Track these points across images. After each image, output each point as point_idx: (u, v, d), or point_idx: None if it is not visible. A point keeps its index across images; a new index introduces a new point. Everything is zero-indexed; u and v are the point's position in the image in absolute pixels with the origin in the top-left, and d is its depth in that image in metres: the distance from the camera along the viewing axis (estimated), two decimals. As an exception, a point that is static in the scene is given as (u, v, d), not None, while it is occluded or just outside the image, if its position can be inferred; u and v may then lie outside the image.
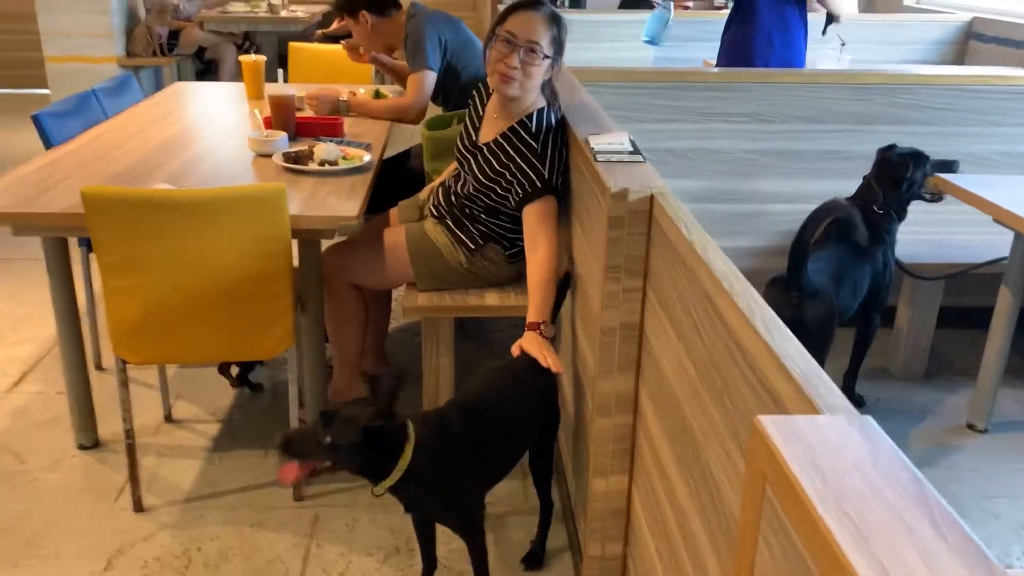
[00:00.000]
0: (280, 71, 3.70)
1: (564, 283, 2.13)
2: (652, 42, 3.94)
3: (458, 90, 3.12)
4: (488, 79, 2.23)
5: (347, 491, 2.37)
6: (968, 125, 3.13)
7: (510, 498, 2.33)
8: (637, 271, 1.61)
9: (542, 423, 2.02)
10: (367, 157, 2.62)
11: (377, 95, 3.35)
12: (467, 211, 2.37)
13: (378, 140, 2.89)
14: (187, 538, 2.19)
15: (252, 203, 2.04)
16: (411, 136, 3.52)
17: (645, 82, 3.04)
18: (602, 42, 4.59)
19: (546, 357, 1.94)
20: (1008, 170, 3.17)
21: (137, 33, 6.39)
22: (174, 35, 6.48)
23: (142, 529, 2.22)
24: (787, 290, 2.23)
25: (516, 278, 2.45)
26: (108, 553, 2.13)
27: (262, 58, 3.50)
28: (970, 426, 2.74)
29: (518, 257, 2.38)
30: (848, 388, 2.77)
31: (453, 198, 2.40)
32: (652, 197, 1.55)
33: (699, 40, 4.38)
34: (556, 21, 2.15)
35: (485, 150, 2.28)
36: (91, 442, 2.54)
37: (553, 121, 2.20)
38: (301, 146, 2.66)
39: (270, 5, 6.85)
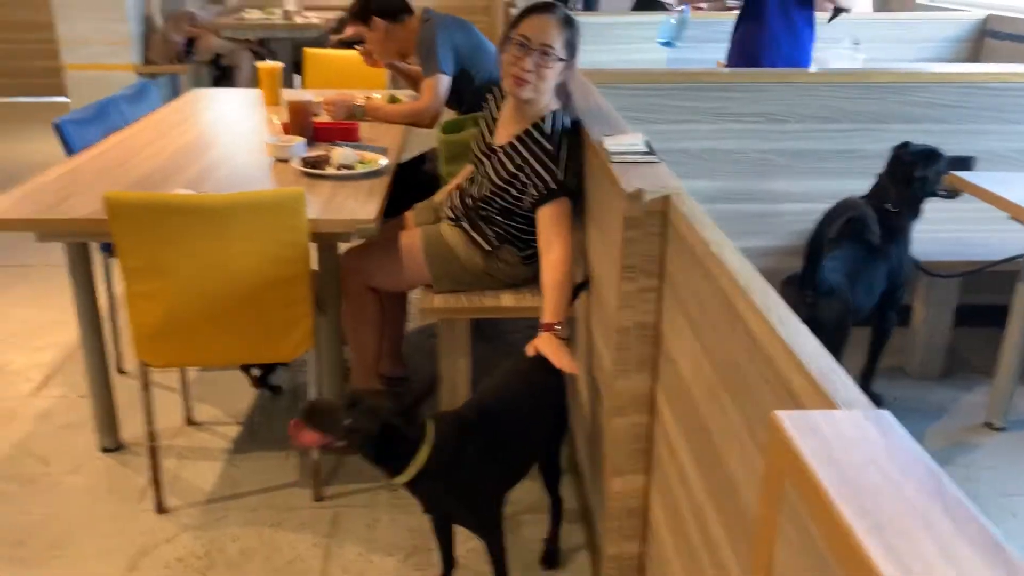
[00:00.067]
0: (296, 77, 3.73)
1: (579, 286, 2.14)
2: (668, 44, 3.96)
3: (471, 93, 3.14)
4: (502, 82, 2.25)
5: (366, 491, 2.40)
6: (984, 122, 3.12)
7: (525, 498, 2.35)
8: (653, 271, 1.62)
9: (553, 423, 2.03)
10: (383, 161, 2.64)
11: (392, 100, 3.38)
12: (482, 213, 2.39)
13: (394, 144, 2.92)
14: (209, 539, 2.22)
15: (272, 207, 2.07)
16: (425, 140, 3.55)
17: (659, 83, 3.05)
18: (615, 44, 4.60)
19: (560, 358, 1.95)
20: (1025, 167, 3.16)
21: (154, 41, 6.45)
22: (190, 42, 6.54)
23: (164, 530, 2.25)
24: (802, 289, 2.24)
25: (531, 279, 2.46)
26: (131, 554, 2.16)
27: (279, 64, 3.53)
28: (988, 424, 2.73)
29: (533, 258, 2.39)
30: (865, 387, 2.76)
31: (469, 200, 2.42)
32: (667, 197, 1.56)
33: (713, 41, 4.38)
34: (569, 24, 2.17)
35: (500, 152, 2.30)
36: (113, 445, 2.58)
37: (567, 123, 2.21)
38: (319, 151, 2.68)
39: (285, 12, 6.91)
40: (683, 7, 3.92)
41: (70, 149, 2.80)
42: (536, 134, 2.20)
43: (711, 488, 1.32)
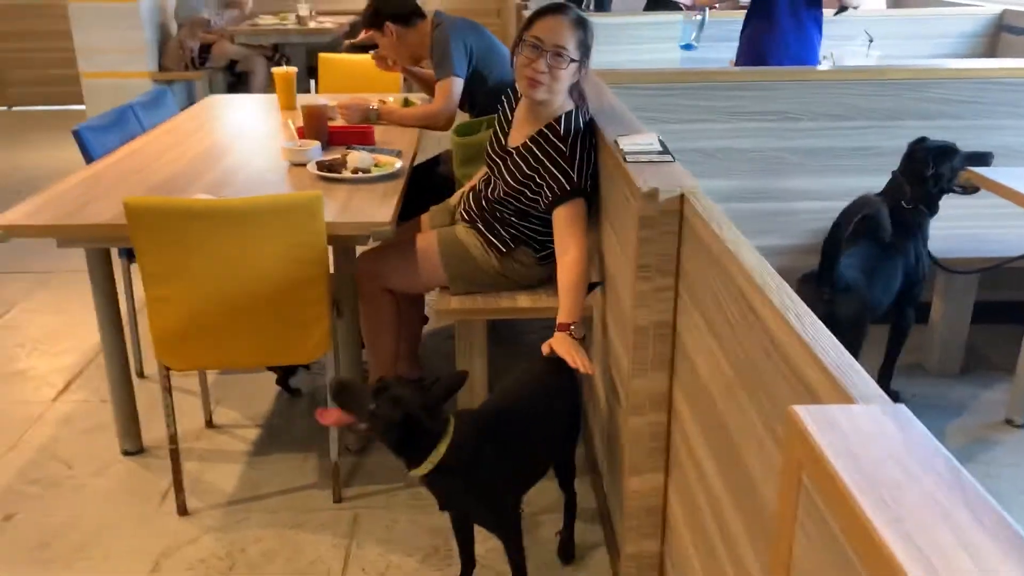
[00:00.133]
0: (312, 82, 3.76)
1: (591, 286, 2.15)
2: (688, 48, 3.99)
3: (484, 95, 3.15)
4: (516, 84, 2.26)
5: (385, 493, 2.41)
6: (1001, 118, 3.10)
7: (542, 498, 2.35)
8: (669, 270, 1.62)
9: (568, 424, 2.05)
10: (399, 164, 2.66)
11: (406, 103, 3.40)
12: (498, 215, 2.40)
13: (408, 147, 2.94)
14: (230, 540, 2.24)
15: (289, 211, 2.09)
16: (439, 143, 3.56)
17: (672, 83, 3.05)
18: (628, 44, 4.60)
19: (575, 358, 1.96)
20: (1042, 163, 3.14)
21: (169, 48, 6.52)
22: (205, 49, 6.60)
23: (187, 532, 2.27)
24: (819, 286, 2.24)
25: (547, 280, 2.46)
26: (155, 556, 2.19)
27: (293, 69, 3.56)
28: (1008, 421, 2.72)
29: (549, 259, 2.40)
30: (884, 384, 2.76)
31: (484, 202, 2.43)
32: (683, 196, 1.57)
33: (726, 40, 4.36)
34: (582, 25, 2.17)
35: (515, 154, 2.31)
36: (135, 448, 2.61)
37: (581, 124, 2.22)
38: (334, 155, 2.70)
39: (299, 17, 6.95)
40: (701, 10, 3.94)
41: (89, 156, 2.83)
42: (550, 135, 2.21)
43: (729, 485, 1.33)
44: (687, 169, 1.72)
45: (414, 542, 2.22)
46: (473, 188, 2.55)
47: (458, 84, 3.09)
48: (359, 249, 2.44)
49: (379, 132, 3.09)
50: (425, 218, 2.72)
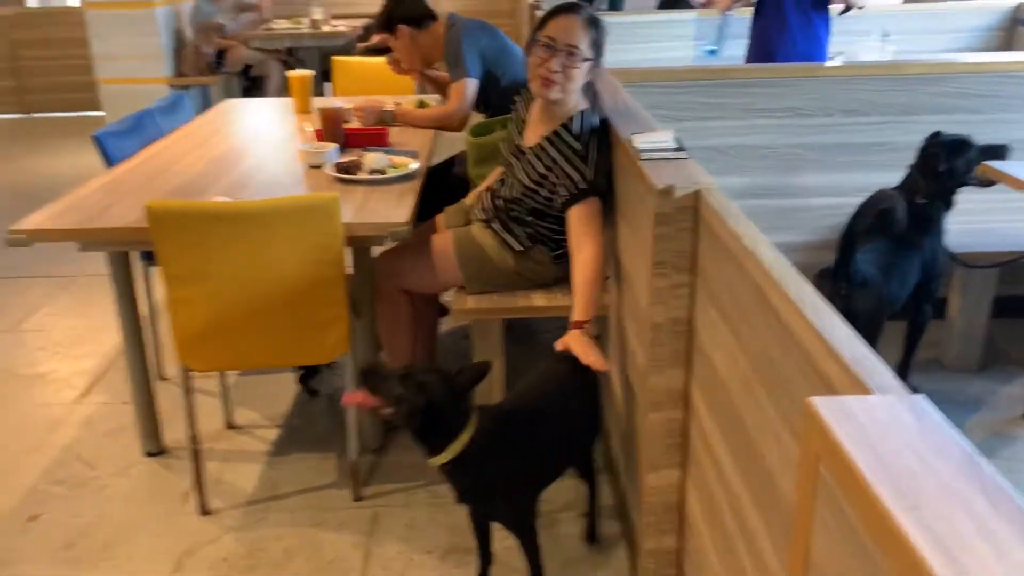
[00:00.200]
0: (327, 84, 3.78)
1: None
2: (713, 53, 4.02)
3: (498, 95, 3.17)
4: (530, 84, 2.27)
5: (404, 491, 2.43)
6: (1017, 111, 3.08)
7: (561, 496, 2.36)
8: (685, 266, 1.63)
9: (588, 423, 2.06)
10: (414, 165, 2.68)
11: (421, 105, 3.42)
12: (513, 214, 2.41)
13: (423, 148, 2.95)
14: (252, 539, 2.26)
15: (307, 212, 2.11)
16: (453, 144, 3.58)
17: (686, 81, 3.05)
18: (641, 43, 4.61)
19: (588, 355, 1.97)
20: (1060, 156, 3.12)
21: (185, 53, 6.57)
22: (220, 54, 6.65)
23: (208, 532, 2.29)
24: (836, 281, 2.24)
25: (563, 279, 2.47)
26: (178, 555, 2.21)
27: (309, 72, 3.59)
28: (1028, 416, 2.71)
29: (564, 258, 2.41)
30: (902, 380, 2.74)
31: (499, 202, 2.44)
32: (698, 192, 1.57)
33: (740, 37, 4.37)
34: (595, 24, 2.18)
35: (529, 154, 2.32)
36: (156, 449, 2.64)
37: (595, 122, 2.23)
38: (351, 156, 2.72)
39: (312, 21, 6.99)
40: (724, 12, 3.97)
41: (109, 161, 2.87)
42: (564, 134, 2.22)
43: (747, 479, 1.33)
44: (701, 167, 1.73)
45: (433, 540, 2.24)
46: (488, 188, 2.57)
47: (472, 85, 3.11)
48: (375, 250, 2.46)
49: (394, 134, 3.11)
50: (441, 218, 2.74)
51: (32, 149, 6.57)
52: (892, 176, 2.69)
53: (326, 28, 6.97)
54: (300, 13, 7.38)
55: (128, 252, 2.45)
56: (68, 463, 2.61)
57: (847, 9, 3.67)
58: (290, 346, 2.26)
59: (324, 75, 5.07)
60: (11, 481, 2.53)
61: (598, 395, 2.07)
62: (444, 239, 2.51)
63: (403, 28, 3.19)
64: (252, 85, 7.18)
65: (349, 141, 2.96)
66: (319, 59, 6.81)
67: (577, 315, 2.07)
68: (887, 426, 0.80)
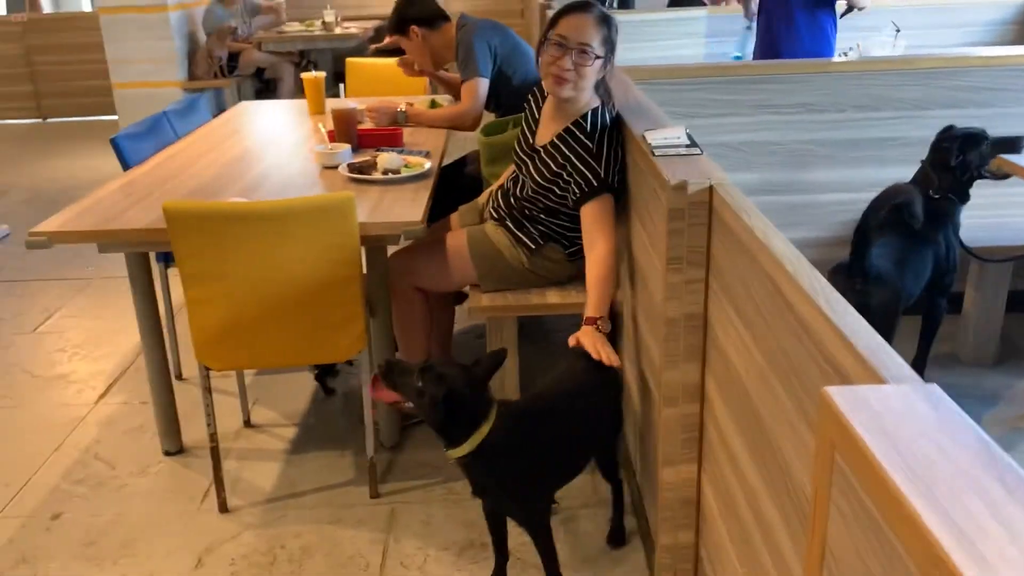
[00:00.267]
0: (341, 86, 3.81)
1: None
2: (740, 59, 4.06)
3: (509, 95, 3.18)
4: (542, 82, 2.28)
5: (421, 488, 2.45)
6: (1031, 105, 3.07)
7: (579, 492, 2.37)
8: (699, 262, 1.64)
9: (609, 423, 2.07)
10: (428, 164, 2.70)
11: (433, 105, 3.44)
12: (526, 212, 2.42)
13: (437, 148, 2.97)
14: (271, 536, 2.28)
15: (323, 212, 2.13)
16: (465, 143, 3.60)
17: (697, 78, 3.06)
18: (652, 41, 4.61)
19: (600, 351, 1.98)
20: (1075, 149, 3.10)
21: (198, 57, 6.63)
22: (233, 57, 6.70)
23: (228, 529, 2.32)
24: (851, 276, 2.24)
25: (577, 276, 2.49)
26: (197, 552, 2.24)
27: (322, 74, 3.62)
28: (1045, 410, 2.70)
29: (578, 255, 2.42)
30: (917, 374, 2.74)
31: (512, 200, 2.46)
32: (712, 188, 1.58)
33: (751, 35, 4.37)
34: (606, 21, 2.19)
35: (542, 152, 2.33)
36: (175, 448, 2.66)
37: (608, 120, 2.24)
38: (364, 157, 2.74)
39: (324, 23, 7.03)
40: (750, 22, 4.01)
41: (126, 163, 2.90)
42: (577, 132, 2.23)
43: (763, 472, 1.34)
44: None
45: (451, 536, 2.26)
46: (501, 186, 2.58)
47: (484, 84, 3.13)
48: (390, 249, 2.47)
49: (407, 134, 3.13)
50: (454, 217, 2.76)
51: (48, 154, 6.64)
52: (905, 171, 2.69)
53: (338, 30, 7.01)
54: (312, 16, 7.42)
55: (147, 253, 2.48)
56: (89, 463, 2.64)
57: (849, 9, 3.68)
58: (306, 344, 2.28)
59: (336, 77, 5.10)
60: (34, 481, 2.56)
61: (619, 394, 2.08)
62: (458, 238, 2.52)
63: (415, 29, 3.21)
64: (265, 88, 7.23)
65: (363, 141, 2.98)
66: (331, 61, 6.86)
67: (590, 311, 2.09)
68: (902, 415, 0.80)
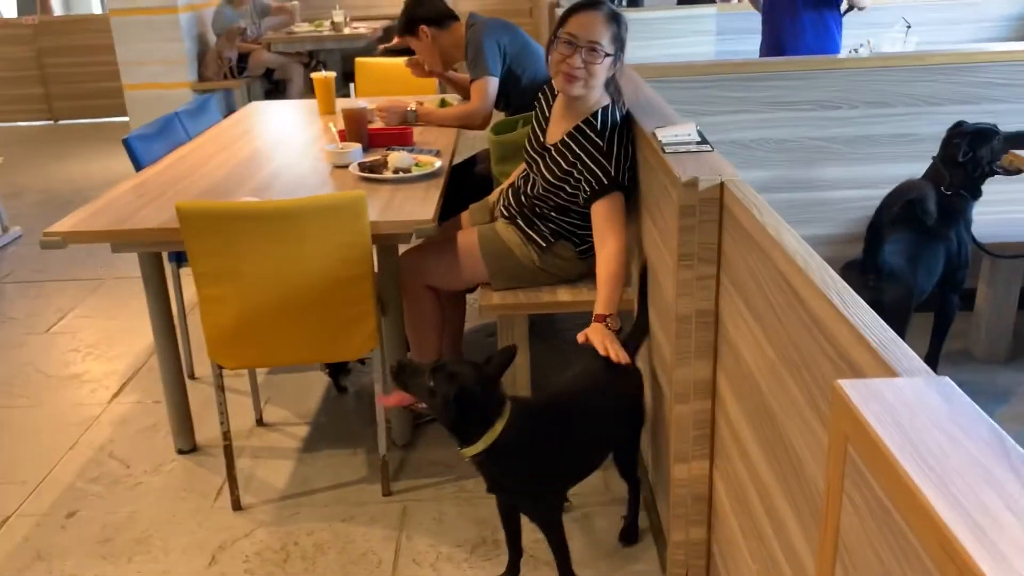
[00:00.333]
0: (351, 86, 3.82)
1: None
2: None
3: (518, 93, 3.19)
4: (552, 80, 2.29)
5: (433, 486, 2.45)
6: (1044, 100, 3.06)
7: (593, 489, 2.38)
8: (710, 258, 1.64)
9: (627, 423, 2.07)
10: (438, 163, 2.70)
11: (443, 104, 3.45)
12: (537, 210, 2.43)
13: (446, 147, 2.98)
14: (284, 533, 2.29)
15: (335, 211, 2.14)
16: (475, 142, 3.60)
17: (707, 75, 3.05)
18: (661, 39, 4.61)
19: (607, 347, 1.99)
20: (1088, 144, 3.08)
21: (208, 58, 6.66)
22: (243, 58, 6.73)
23: (241, 526, 2.33)
24: (864, 273, 2.23)
25: (587, 274, 2.49)
26: (211, 549, 2.25)
27: (332, 74, 3.63)
28: (1058, 407, 2.68)
29: (589, 253, 2.42)
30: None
31: (523, 198, 2.46)
32: (722, 184, 1.58)
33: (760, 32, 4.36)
34: (616, 19, 2.19)
35: (552, 150, 2.34)
36: (189, 447, 2.68)
37: (618, 118, 2.24)
38: (375, 156, 2.75)
39: (333, 24, 7.05)
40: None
41: (138, 164, 2.92)
42: (587, 130, 2.23)
43: (776, 468, 1.34)
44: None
45: (463, 533, 2.26)
46: (512, 185, 2.58)
47: (493, 83, 3.13)
48: (401, 248, 2.48)
49: (417, 133, 3.14)
50: (465, 216, 2.76)
51: (60, 155, 6.68)
52: (917, 167, 2.68)
53: (347, 31, 7.03)
54: (321, 16, 7.44)
55: (159, 253, 2.49)
56: (103, 461, 2.66)
57: (850, 8, 3.67)
58: (318, 343, 2.29)
59: (346, 77, 5.12)
60: (49, 479, 2.58)
61: (638, 393, 2.07)
62: (469, 236, 2.53)
63: (424, 29, 3.22)
64: (274, 88, 7.26)
65: (373, 141, 2.99)
66: (340, 61, 6.88)
67: (600, 308, 2.09)
68: (915, 407, 0.81)
